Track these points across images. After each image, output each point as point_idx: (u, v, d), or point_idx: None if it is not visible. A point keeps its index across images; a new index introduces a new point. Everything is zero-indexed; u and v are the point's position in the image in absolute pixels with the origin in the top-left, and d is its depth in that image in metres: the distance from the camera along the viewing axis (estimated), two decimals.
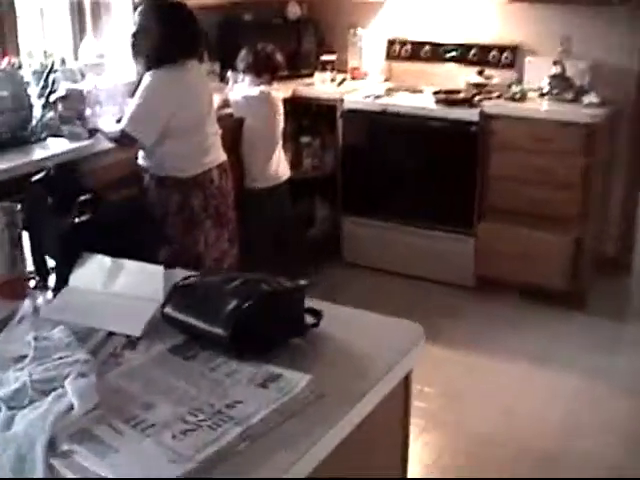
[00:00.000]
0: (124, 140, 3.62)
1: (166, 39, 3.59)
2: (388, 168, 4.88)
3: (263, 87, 4.48)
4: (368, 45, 5.33)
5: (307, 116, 5.13)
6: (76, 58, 4.51)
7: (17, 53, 4.21)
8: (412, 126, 4.72)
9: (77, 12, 4.70)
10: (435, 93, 4.76)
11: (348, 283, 4.94)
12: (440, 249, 4.82)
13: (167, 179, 3.70)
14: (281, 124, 4.57)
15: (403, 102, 4.79)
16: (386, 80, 5.30)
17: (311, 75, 5.20)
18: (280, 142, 4.59)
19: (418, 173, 4.80)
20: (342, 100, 4.92)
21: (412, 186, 4.83)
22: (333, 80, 5.12)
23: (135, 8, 3.83)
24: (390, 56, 5.28)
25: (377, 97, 4.85)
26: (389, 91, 5.01)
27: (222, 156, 3.85)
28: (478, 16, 5.08)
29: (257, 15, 5.27)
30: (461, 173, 4.66)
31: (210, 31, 5.13)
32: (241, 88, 4.55)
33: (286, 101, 4.88)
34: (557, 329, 4.45)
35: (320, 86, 5.07)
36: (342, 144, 5.00)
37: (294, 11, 5.29)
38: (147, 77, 3.60)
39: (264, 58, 4.50)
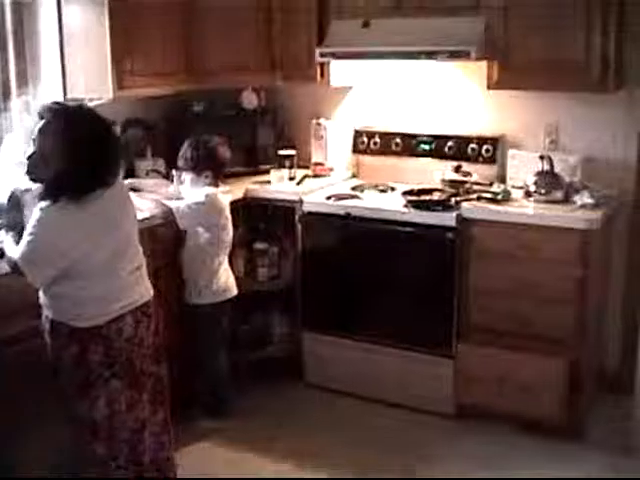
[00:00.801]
0: (19, 271, 2.94)
1: (69, 171, 2.86)
2: (354, 279, 4.25)
3: (207, 189, 3.89)
4: (333, 137, 4.73)
5: (262, 219, 4.50)
6: None
7: None
8: (380, 232, 4.09)
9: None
10: (406, 193, 4.15)
11: (309, 408, 4.28)
12: (414, 372, 4.14)
13: (62, 326, 2.98)
14: (230, 232, 4.00)
15: (369, 204, 4.18)
16: (353, 176, 4.73)
17: (269, 172, 4.59)
18: (227, 251, 4.03)
19: (388, 285, 4.15)
20: (301, 201, 4.31)
21: (381, 300, 4.18)
22: (292, 178, 4.54)
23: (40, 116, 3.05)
24: (357, 149, 4.70)
25: (341, 198, 4.23)
26: (356, 189, 4.41)
27: (144, 295, 3.13)
28: (455, 105, 4.53)
29: (209, 105, 4.71)
30: (437, 285, 4.02)
31: (156, 123, 4.62)
32: (183, 191, 3.97)
33: (237, 202, 4.31)
34: (549, 466, 3.70)
35: (277, 185, 4.46)
36: (301, 251, 4.36)
37: (250, 100, 4.69)
38: (38, 210, 2.87)
39: (205, 154, 3.94)
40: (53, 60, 4.19)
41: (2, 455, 3.09)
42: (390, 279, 4.14)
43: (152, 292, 3.21)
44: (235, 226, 4.21)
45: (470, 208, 3.95)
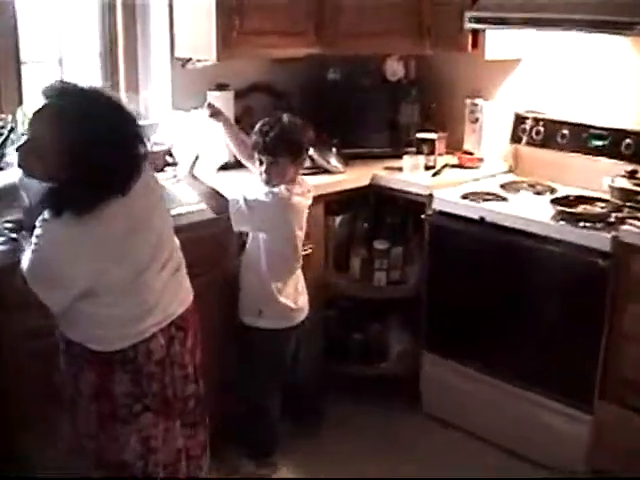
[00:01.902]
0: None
1: (74, 180, 2.23)
2: (484, 299, 3.40)
3: (278, 189, 3.06)
4: (490, 122, 3.89)
5: (389, 213, 3.75)
6: None
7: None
8: (516, 246, 3.23)
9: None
10: (557, 201, 3.25)
11: (423, 439, 3.56)
12: (542, 421, 3.27)
13: (78, 348, 2.39)
14: (300, 243, 3.18)
15: (510, 209, 3.29)
16: (509, 171, 3.84)
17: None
18: (299, 265, 3.23)
19: (522, 313, 3.28)
20: (431, 197, 3.52)
21: (513, 330, 3.33)
22: (430, 167, 3.73)
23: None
24: (516, 138, 3.78)
25: (480, 198, 3.38)
26: (505, 188, 3.55)
27: (182, 304, 2.52)
28: None
29: (347, 74, 3.99)
30: (581, 323, 3.11)
31: (286, 91, 3.99)
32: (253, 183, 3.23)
33: (361, 189, 3.65)
34: None
35: (409, 174, 3.67)
36: (428, 257, 3.58)
37: (394, 70, 3.92)
38: (40, 221, 2.27)
39: (278, 136, 3.05)
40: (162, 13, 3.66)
41: None
42: (525, 306, 3.27)
43: (192, 296, 2.60)
44: (354, 218, 3.61)
45: (632, 231, 2.97)
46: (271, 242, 3.08)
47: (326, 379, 3.70)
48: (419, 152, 3.75)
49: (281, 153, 3.03)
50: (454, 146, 3.99)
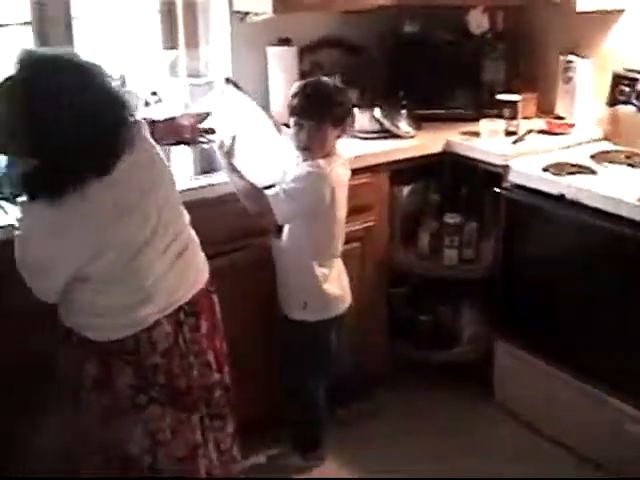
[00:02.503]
0: None
1: (43, 162, 2.00)
2: (565, 287, 2.97)
3: (316, 165, 2.70)
4: (585, 82, 3.38)
5: (464, 183, 3.33)
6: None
7: None
8: (599, 229, 2.77)
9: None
10: None
11: (491, 432, 3.21)
12: (626, 431, 2.82)
13: (76, 337, 2.19)
14: (342, 223, 2.85)
15: (596, 185, 2.82)
16: (605, 138, 3.34)
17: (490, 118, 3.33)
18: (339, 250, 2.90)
19: (607, 307, 2.83)
20: (507, 168, 3.12)
21: (595, 325, 2.88)
22: (512, 133, 3.27)
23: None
24: (614, 101, 3.26)
25: (563, 170, 2.92)
26: (596, 159, 3.07)
27: (193, 287, 2.27)
28: None
29: (425, 26, 3.55)
30: None
31: (359, 46, 3.61)
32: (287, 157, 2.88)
33: (433, 156, 3.26)
34: None
35: (486, 141, 3.23)
36: (503, 234, 3.17)
37: (479, 22, 3.45)
38: (20, 205, 2.08)
39: (310, 103, 2.72)
40: None
41: None
42: (612, 299, 2.81)
43: (207, 275, 2.35)
44: (424, 188, 3.24)
45: None
46: (316, 225, 2.76)
47: (389, 362, 3.37)
48: (499, 116, 3.29)
49: (325, 117, 2.69)
50: (545, 109, 3.53)
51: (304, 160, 2.73)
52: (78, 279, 2.10)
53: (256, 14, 3.27)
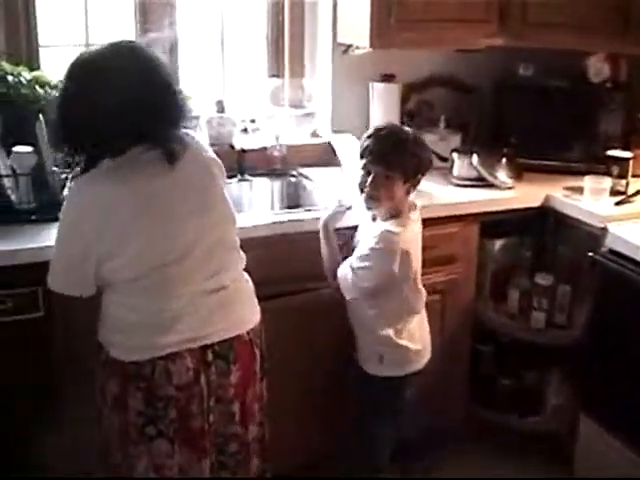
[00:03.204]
0: None
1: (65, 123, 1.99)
2: None
3: (390, 227, 2.47)
4: None
5: (561, 242, 3.07)
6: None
7: None
8: None
9: None
10: None
11: None
12: None
13: (104, 353, 2.13)
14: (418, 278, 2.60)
15: None
16: None
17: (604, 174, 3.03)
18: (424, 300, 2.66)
19: None
20: (605, 231, 2.82)
21: None
22: (620, 193, 2.98)
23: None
24: None
25: None
26: None
27: (230, 329, 2.15)
28: None
29: (540, 70, 3.30)
30: None
31: (482, 87, 3.44)
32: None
33: (530, 210, 3.03)
34: None
35: (588, 199, 2.94)
36: (595, 302, 2.87)
37: (599, 70, 3.16)
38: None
39: (384, 148, 2.47)
40: None
41: None
42: None
43: (251, 325, 2.22)
44: (518, 244, 3.01)
45: None
46: (385, 295, 2.53)
47: (466, 422, 3.14)
48: (607, 173, 3.01)
49: (394, 165, 2.45)
50: None
51: (368, 208, 2.52)
52: (105, 282, 2.05)
53: (357, 47, 3.15)
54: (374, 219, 2.57)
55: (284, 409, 2.59)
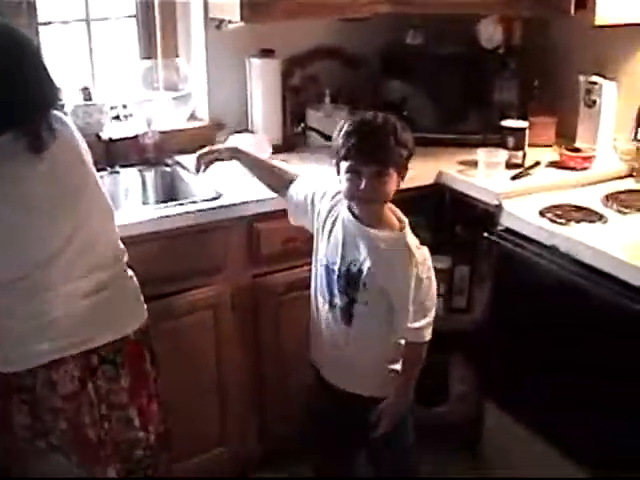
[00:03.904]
0: None
1: None
2: (553, 353, 2.43)
3: (405, 234, 2.17)
4: (610, 108, 2.83)
5: (458, 221, 2.85)
6: None
7: None
8: (593, 294, 2.21)
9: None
10: None
11: None
12: None
13: None
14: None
15: (597, 239, 2.27)
16: (631, 175, 2.76)
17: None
18: None
19: (602, 386, 2.26)
20: (500, 208, 2.61)
21: (591, 403, 2.30)
22: (517, 166, 2.77)
23: None
24: None
25: (572, 216, 2.39)
26: (611, 201, 2.50)
27: (109, 333, 1.96)
28: None
29: (430, 37, 3.06)
30: None
31: (358, 57, 3.17)
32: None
33: (423, 189, 2.77)
34: None
35: (482, 173, 2.70)
36: (494, 284, 2.66)
37: (491, 35, 2.92)
38: None
39: (373, 145, 2.09)
40: None
41: None
42: (605, 379, 2.25)
43: (138, 324, 2.02)
44: (412, 225, 2.74)
45: None
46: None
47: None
48: (502, 145, 2.78)
49: (390, 161, 2.07)
50: (566, 135, 2.97)
51: (356, 215, 2.14)
52: None
53: (230, 22, 2.84)
54: (366, 225, 2.15)
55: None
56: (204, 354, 2.61)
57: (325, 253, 2.22)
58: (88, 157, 1.99)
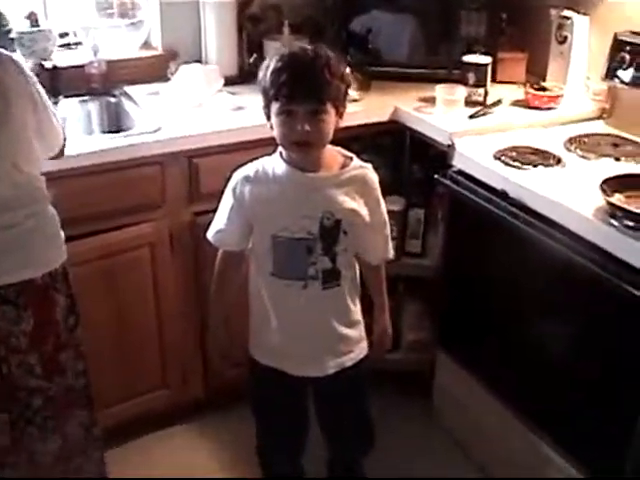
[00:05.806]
0: None
1: None
2: (500, 300, 2.24)
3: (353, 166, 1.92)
4: (582, 44, 2.55)
5: (415, 161, 2.60)
6: None
7: None
8: (542, 243, 1.97)
9: None
10: (615, 180, 1.91)
11: (423, 449, 2.55)
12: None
13: None
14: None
15: (549, 184, 2.03)
16: (600, 117, 2.51)
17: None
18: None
19: (547, 337, 2.07)
20: (452, 148, 2.35)
21: (537, 353, 2.12)
22: (479, 104, 2.51)
23: None
24: (612, 72, 2.40)
25: (528, 158, 2.15)
26: (573, 144, 2.27)
27: (13, 273, 1.78)
28: None
29: None
30: (621, 375, 1.89)
31: None
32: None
33: (378, 125, 2.53)
34: None
35: (440, 111, 2.45)
36: (446, 228, 2.44)
37: None
38: None
39: (308, 81, 1.77)
40: None
41: None
42: (553, 330, 2.06)
43: (49, 268, 1.83)
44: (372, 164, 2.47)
45: None
46: None
47: None
48: (461, 81, 2.52)
49: (327, 97, 1.77)
50: (536, 72, 2.70)
51: (295, 162, 1.86)
52: None
53: None
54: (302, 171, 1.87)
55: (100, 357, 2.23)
56: (142, 294, 2.40)
57: (277, 224, 1.86)
58: (18, 99, 1.72)
